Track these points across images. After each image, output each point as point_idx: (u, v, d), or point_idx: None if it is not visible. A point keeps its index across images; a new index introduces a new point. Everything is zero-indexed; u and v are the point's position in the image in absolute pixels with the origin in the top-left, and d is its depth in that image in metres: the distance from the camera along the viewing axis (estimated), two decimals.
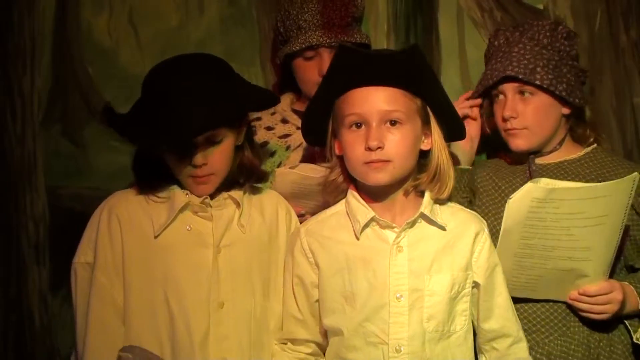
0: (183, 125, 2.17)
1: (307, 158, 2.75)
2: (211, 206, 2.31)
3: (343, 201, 2.32)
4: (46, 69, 3.21)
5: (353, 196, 2.28)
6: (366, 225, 2.24)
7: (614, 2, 3.04)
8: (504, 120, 2.53)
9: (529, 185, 2.26)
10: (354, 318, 2.23)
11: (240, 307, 2.30)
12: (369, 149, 2.17)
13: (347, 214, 2.29)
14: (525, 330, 2.42)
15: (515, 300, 2.40)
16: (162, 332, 2.24)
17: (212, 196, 2.33)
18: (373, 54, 2.18)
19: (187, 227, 2.29)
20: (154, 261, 2.26)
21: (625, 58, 3.04)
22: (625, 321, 2.45)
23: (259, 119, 2.85)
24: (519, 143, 2.54)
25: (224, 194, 2.34)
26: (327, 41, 2.75)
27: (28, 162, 3.20)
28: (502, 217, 2.42)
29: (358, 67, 2.16)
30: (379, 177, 2.20)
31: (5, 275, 3.20)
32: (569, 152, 2.59)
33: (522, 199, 2.26)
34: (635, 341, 2.44)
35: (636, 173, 2.28)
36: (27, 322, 3.21)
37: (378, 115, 2.17)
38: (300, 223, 2.44)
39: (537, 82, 2.49)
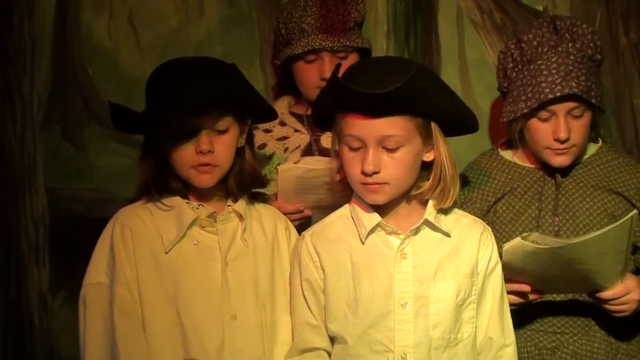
0: (190, 97, 2.16)
1: None
2: (216, 220, 2.31)
3: (347, 205, 2.31)
4: (46, 70, 3.21)
5: (358, 203, 2.27)
6: (372, 231, 2.24)
7: (613, 4, 3.04)
8: (557, 140, 2.45)
9: (518, 240, 2.23)
10: (357, 326, 2.21)
11: (252, 320, 2.29)
12: (364, 173, 2.16)
13: (352, 218, 2.28)
14: (550, 332, 2.45)
15: (540, 302, 2.41)
16: (176, 347, 2.23)
17: (218, 210, 2.32)
18: (365, 94, 2.07)
19: (195, 242, 2.28)
20: (164, 277, 2.25)
21: (625, 60, 3.04)
22: None
23: None
24: (564, 160, 2.48)
25: (229, 208, 2.33)
26: (329, 45, 2.75)
27: (28, 163, 3.20)
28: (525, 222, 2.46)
29: (352, 98, 2.12)
30: (376, 198, 2.20)
31: (5, 276, 3.20)
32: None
33: (515, 249, 2.24)
34: None
35: (635, 212, 2.27)
36: (27, 324, 3.20)
37: (375, 140, 2.15)
38: (302, 219, 2.48)
39: (593, 101, 2.43)
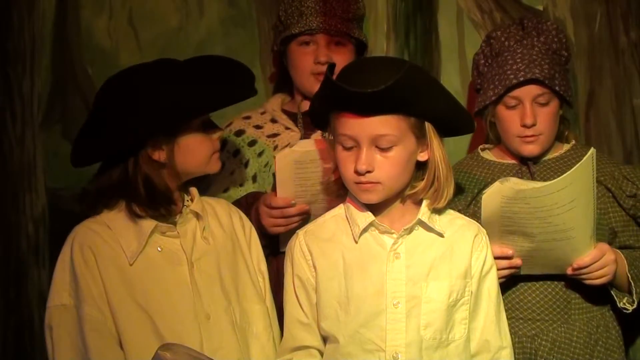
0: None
1: None
2: (175, 223, 2.32)
3: (342, 205, 2.32)
4: (46, 70, 3.21)
5: (352, 202, 2.28)
6: (365, 230, 2.24)
7: (613, 3, 3.04)
8: (524, 127, 2.52)
9: (497, 185, 2.28)
10: (349, 324, 2.22)
11: (223, 317, 2.31)
12: (358, 172, 2.17)
13: (346, 218, 2.28)
14: (529, 319, 2.47)
15: (519, 289, 2.46)
16: None
17: (176, 213, 2.33)
18: (356, 92, 2.09)
19: (158, 249, 2.29)
20: (133, 289, 2.25)
21: (625, 59, 3.04)
22: (612, 291, 2.47)
23: (248, 117, 2.86)
24: (533, 149, 2.55)
25: (186, 209, 2.35)
26: (327, 28, 2.75)
27: (28, 163, 3.20)
28: None
29: (345, 97, 2.13)
30: (369, 197, 2.21)
31: (4, 276, 3.20)
32: (554, 150, 2.63)
33: (493, 195, 2.29)
34: (622, 306, 2.48)
35: (592, 149, 2.31)
36: (27, 324, 3.20)
37: (368, 139, 2.16)
38: (301, 214, 2.49)
39: (557, 88, 2.51)
